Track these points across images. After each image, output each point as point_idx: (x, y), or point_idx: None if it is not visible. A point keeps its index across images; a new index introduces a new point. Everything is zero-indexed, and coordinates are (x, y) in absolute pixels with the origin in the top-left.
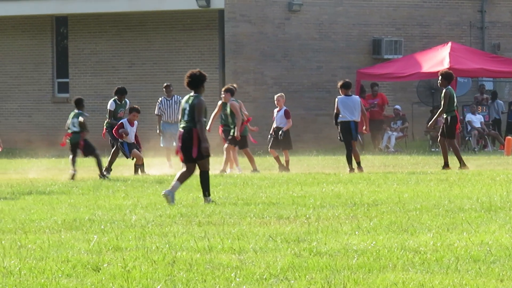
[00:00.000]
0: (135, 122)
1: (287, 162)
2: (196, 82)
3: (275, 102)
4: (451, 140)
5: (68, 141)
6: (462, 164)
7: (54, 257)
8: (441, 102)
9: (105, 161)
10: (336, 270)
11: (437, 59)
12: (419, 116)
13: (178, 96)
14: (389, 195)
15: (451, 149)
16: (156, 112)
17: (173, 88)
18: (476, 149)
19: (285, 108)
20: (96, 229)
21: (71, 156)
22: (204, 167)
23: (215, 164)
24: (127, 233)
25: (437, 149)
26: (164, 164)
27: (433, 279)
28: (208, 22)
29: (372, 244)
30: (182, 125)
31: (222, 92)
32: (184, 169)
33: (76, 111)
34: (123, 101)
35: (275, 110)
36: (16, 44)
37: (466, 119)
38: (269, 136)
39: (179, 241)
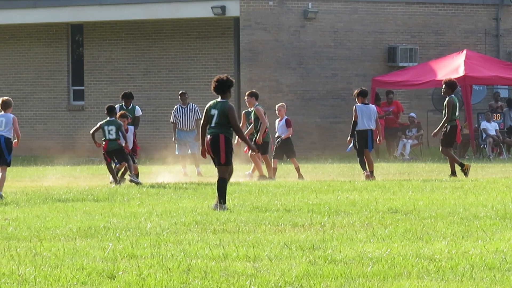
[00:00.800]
0: (130, 128)
1: (297, 169)
2: (223, 87)
3: (276, 112)
4: (448, 148)
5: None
6: (453, 173)
7: (69, 264)
8: (444, 111)
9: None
10: (351, 278)
11: (452, 67)
12: (434, 123)
13: (193, 104)
14: (404, 202)
15: (446, 157)
16: (171, 120)
17: (188, 95)
18: (491, 157)
19: (286, 117)
20: (111, 237)
21: (107, 164)
22: (223, 173)
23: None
24: (142, 241)
25: None
26: (179, 172)
27: (448, 287)
28: (223, 30)
29: (387, 252)
30: (209, 131)
31: (246, 97)
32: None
33: (109, 118)
34: (130, 106)
35: (277, 120)
36: (31, 52)
37: (481, 127)
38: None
39: (194, 248)
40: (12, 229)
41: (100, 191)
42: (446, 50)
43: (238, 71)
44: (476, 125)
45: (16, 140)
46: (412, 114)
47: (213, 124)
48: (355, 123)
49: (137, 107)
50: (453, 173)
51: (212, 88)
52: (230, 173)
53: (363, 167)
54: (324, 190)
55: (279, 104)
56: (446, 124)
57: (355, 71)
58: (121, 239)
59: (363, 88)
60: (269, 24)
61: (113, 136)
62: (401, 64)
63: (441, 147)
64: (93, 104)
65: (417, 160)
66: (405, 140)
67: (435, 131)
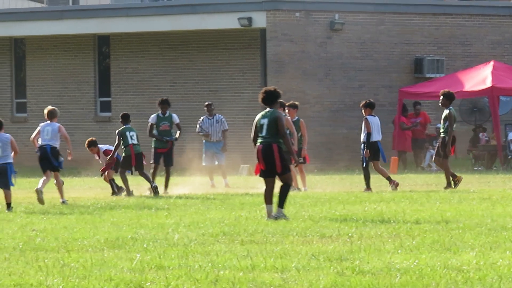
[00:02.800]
0: (101, 153)
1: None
2: (271, 98)
3: None
4: (445, 160)
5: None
6: (448, 184)
7: (97, 275)
8: (445, 123)
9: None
10: None
11: (479, 78)
12: (461, 135)
13: (219, 115)
14: (431, 213)
15: (443, 168)
16: (197, 130)
17: (215, 107)
18: None
19: None
20: (138, 248)
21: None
22: (287, 180)
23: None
24: (169, 252)
25: (479, 168)
26: (207, 184)
27: None
28: (250, 41)
29: (415, 263)
30: (260, 140)
31: (287, 108)
32: (264, 188)
33: (126, 125)
34: (166, 114)
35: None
36: (58, 63)
37: (509, 138)
38: None
39: (222, 259)
40: (40, 240)
41: (128, 202)
42: (473, 61)
43: (265, 83)
44: (504, 137)
45: (69, 151)
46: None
47: (264, 134)
48: (369, 134)
49: (174, 114)
50: (449, 184)
51: (260, 99)
52: (290, 180)
53: (389, 179)
54: (351, 201)
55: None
56: (444, 136)
57: (381, 82)
58: (149, 250)
59: (371, 100)
60: (296, 35)
61: (136, 141)
62: (428, 75)
63: (434, 157)
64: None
65: None
66: (432, 151)
67: (447, 147)
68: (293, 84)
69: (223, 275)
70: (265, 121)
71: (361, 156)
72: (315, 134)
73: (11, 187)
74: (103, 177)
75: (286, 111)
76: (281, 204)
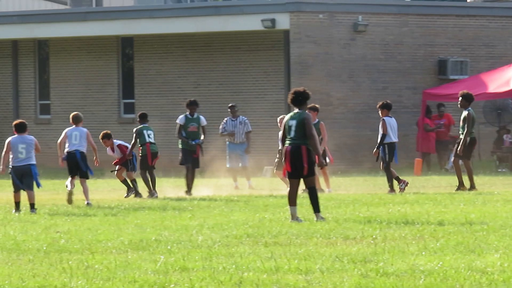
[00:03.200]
0: (115, 147)
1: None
2: (300, 99)
3: (278, 124)
4: (467, 161)
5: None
6: (472, 186)
7: (121, 277)
8: (464, 124)
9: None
10: None
11: (503, 79)
12: (485, 136)
13: (243, 117)
14: (455, 215)
15: (465, 170)
16: (220, 131)
17: (238, 108)
18: None
19: None
20: (162, 250)
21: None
22: (312, 183)
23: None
24: (193, 254)
25: (503, 170)
26: (230, 185)
27: None
28: (273, 43)
29: (439, 265)
30: (288, 142)
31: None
32: (288, 190)
33: (144, 124)
34: (194, 115)
35: (280, 132)
36: (82, 65)
37: None
38: (276, 160)
39: (246, 261)
40: (64, 242)
41: (152, 203)
42: (497, 62)
43: (288, 84)
44: None
45: (95, 157)
46: None
47: (292, 135)
48: (384, 136)
49: (202, 117)
50: (472, 186)
51: (289, 100)
52: (314, 182)
53: (398, 179)
54: (375, 203)
55: (281, 116)
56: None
57: (405, 84)
58: (173, 252)
59: (388, 101)
60: (319, 37)
61: (153, 140)
62: (451, 77)
63: (456, 159)
64: None
65: None
66: None
67: (460, 147)
68: (317, 85)
69: (247, 277)
70: (293, 123)
71: (380, 158)
72: (339, 136)
73: (36, 188)
74: (116, 173)
75: None
76: (316, 209)
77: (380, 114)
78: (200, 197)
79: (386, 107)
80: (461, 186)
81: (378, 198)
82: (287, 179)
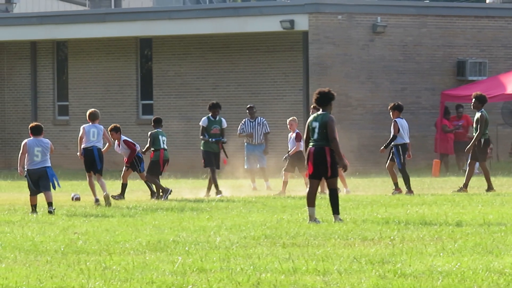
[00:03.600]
0: (121, 142)
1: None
2: (325, 100)
3: (288, 126)
4: (483, 162)
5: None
6: (490, 187)
7: (138, 278)
8: (477, 126)
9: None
10: None
11: None
12: (503, 137)
13: (261, 118)
14: (473, 216)
15: (482, 172)
16: (238, 131)
17: (257, 109)
18: None
19: (297, 131)
20: (180, 251)
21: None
22: (333, 185)
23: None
24: (211, 255)
25: None
26: (249, 186)
27: None
28: (292, 44)
29: (457, 266)
30: (312, 143)
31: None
32: (308, 191)
33: (159, 129)
34: (217, 118)
35: (289, 134)
36: (101, 66)
37: None
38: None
39: (264, 262)
40: (82, 243)
41: (169, 204)
42: None
43: (307, 85)
44: None
45: (105, 148)
46: None
47: (315, 137)
48: (395, 137)
49: (223, 119)
50: (490, 187)
51: (314, 100)
52: (336, 184)
53: (396, 185)
54: (393, 204)
55: (291, 118)
56: (480, 139)
57: (424, 85)
58: (191, 253)
59: (399, 102)
60: (338, 38)
61: (166, 147)
62: (470, 78)
63: (472, 162)
64: (163, 118)
65: None
66: None
67: (468, 146)
68: (336, 87)
69: (264, 278)
70: (316, 124)
71: (396, 159)
72: (357, 137)
73: (53, 189)
74: (122, 174)
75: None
76: (336, 210)
77: (392, 116)
78: (218, 198)
79: (398, 109)
80: (490, 189)
81: (396, 199)
82: (307, 179)
